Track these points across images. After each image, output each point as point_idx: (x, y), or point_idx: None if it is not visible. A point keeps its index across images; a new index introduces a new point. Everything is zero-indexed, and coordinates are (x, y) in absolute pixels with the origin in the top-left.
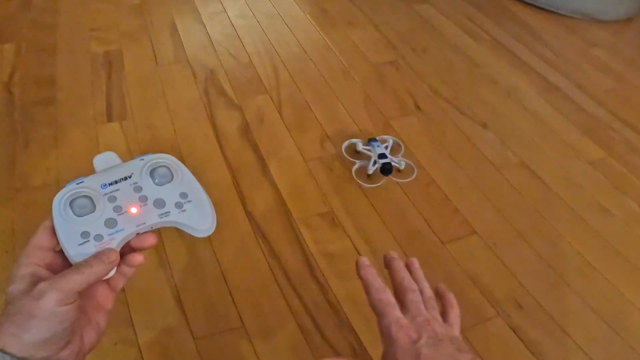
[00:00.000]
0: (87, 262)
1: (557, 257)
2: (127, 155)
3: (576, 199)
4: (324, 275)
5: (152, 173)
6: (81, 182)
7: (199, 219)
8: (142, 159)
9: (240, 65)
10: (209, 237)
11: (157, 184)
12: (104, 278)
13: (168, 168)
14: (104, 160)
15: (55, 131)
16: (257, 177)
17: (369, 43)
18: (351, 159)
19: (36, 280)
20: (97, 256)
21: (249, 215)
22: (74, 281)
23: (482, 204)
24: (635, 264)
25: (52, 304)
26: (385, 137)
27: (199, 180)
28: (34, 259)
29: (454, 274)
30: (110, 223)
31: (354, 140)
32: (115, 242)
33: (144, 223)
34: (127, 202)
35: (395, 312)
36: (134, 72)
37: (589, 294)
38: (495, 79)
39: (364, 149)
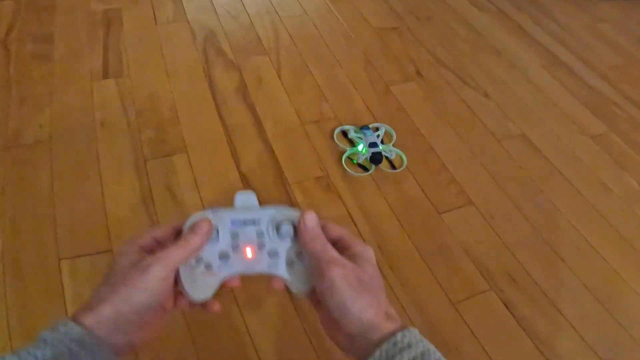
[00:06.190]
0: (184, 238)
1: (553, 232)
2: (121, 112)
3: (576, 173)
4: None
5: (278, 225)
6: (217, 212)
7: (303, 280)
8: (276, 210)
9: (240, 26)
10: (200, 197)
11: (279, 237)
12: (202, 301)
13: (295, 226)
14: (245, 198)
15: (50, 88)
16: (253, 139)
17: (372, 9)
18: (341, 145)
19: (142, 256)
20: (191, 229)
21: (242, 176)
22: (176, 255)
23: (480, 174)
24: (632, 243)
25: (156, 278)
26: (378, 124)
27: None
28: (144, 243)
29: (448, 245)
30: (224, 257)
31: (345, 126)
32: (221, 275)
33: (252, 267)
34: (246, 243)
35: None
36: (133, 31)
37: (584, 271)
38: (499, 49)
39: (355, 136)
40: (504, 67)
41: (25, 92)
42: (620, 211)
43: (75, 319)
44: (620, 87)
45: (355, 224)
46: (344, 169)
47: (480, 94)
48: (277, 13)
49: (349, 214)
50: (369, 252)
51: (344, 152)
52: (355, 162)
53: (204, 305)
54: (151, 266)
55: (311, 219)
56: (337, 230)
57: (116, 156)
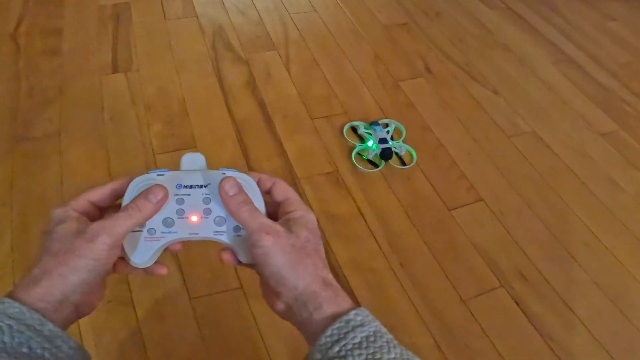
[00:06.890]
0: (135, 205)
1: (564, 229)
2: (130, 106)
3: (586, 171)
4: (325, 237)
5: None
6: (162, 175)
7: (248, 249)
8: (224, 173)
9: (249, 21)
10: None
11: None
12: (143, 267)
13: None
14: (192, 160)
15: (59, 82)
16: (262, 133)
17: (381, 4)
18: (351, 140)
19: (86, 223)
20: (144, 196)
21: (251, 171)
22: (124, 226)
23: (490, 170)
24: None
25: (103, 247)
26: (387, 120)
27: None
28: (81, 208)
29: (459, 242)
30: (168, 222)
31: (355, 122)
32: (164, 240)
33: (197, 234)
34: (191, 209)
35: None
36: (142, 25)
37: (594, 268)
38: (508, 46)
39: (365, 132)
40: (513, 64)
41: (34, 86)
42: (631, 209)
43: (13, 295)
44: (629, 84)
45: (365, 220)
46: (354, 165)
47: (490, 91)
48: (285, 9)
49: (359, 209)
50: (307, 217)
51: (353, 147)
52: (365, 158)
53: (146, 269)
54: (99, 235)
55: (231, 187)
56: (283, 192)
57: (125, 150)
